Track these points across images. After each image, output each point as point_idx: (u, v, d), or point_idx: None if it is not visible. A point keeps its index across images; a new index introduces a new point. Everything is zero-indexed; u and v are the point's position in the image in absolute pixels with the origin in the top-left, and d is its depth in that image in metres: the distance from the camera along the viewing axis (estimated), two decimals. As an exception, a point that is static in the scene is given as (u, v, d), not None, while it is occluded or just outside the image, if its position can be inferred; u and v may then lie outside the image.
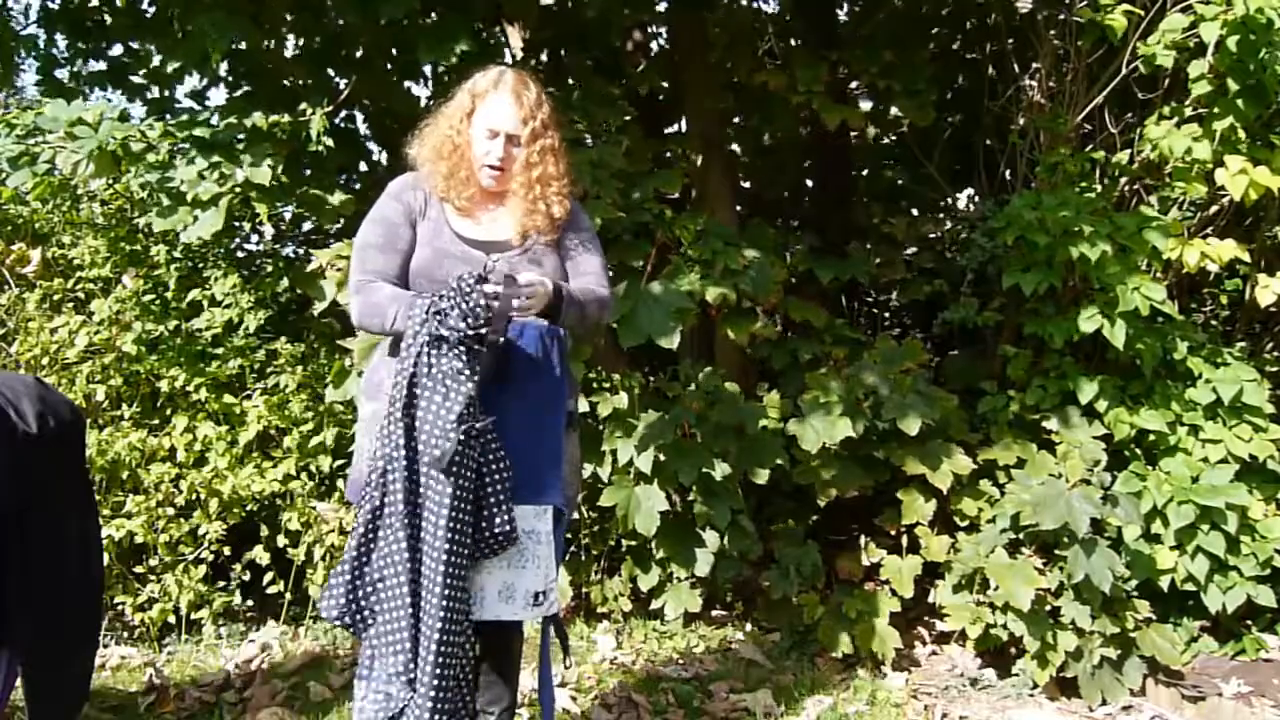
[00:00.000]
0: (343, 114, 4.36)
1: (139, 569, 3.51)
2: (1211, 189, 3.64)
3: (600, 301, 2.20)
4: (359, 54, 4.04)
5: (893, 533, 3.67)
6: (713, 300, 3.58)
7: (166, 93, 4.27)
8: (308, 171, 3.74)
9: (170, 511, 3.52)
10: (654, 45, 5.04)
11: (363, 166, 4.62)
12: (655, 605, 3.60)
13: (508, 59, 4.43)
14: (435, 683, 1.90)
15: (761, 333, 3.88)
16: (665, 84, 4.72)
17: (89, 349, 3.70)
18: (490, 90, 2.12)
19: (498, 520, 1.97)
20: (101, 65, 4.21)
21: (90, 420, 3.59)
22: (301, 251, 4.44)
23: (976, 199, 4.82)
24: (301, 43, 4.17)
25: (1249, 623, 3.50)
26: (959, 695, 3.31)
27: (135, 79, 4.25)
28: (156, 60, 4.16)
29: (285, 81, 3.94)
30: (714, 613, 3.86)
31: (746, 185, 5.36)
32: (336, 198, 3.65)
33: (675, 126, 4.94)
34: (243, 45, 3.61)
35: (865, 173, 5.30)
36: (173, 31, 3.75)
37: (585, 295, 2.15)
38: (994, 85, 4.41)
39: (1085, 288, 3.69)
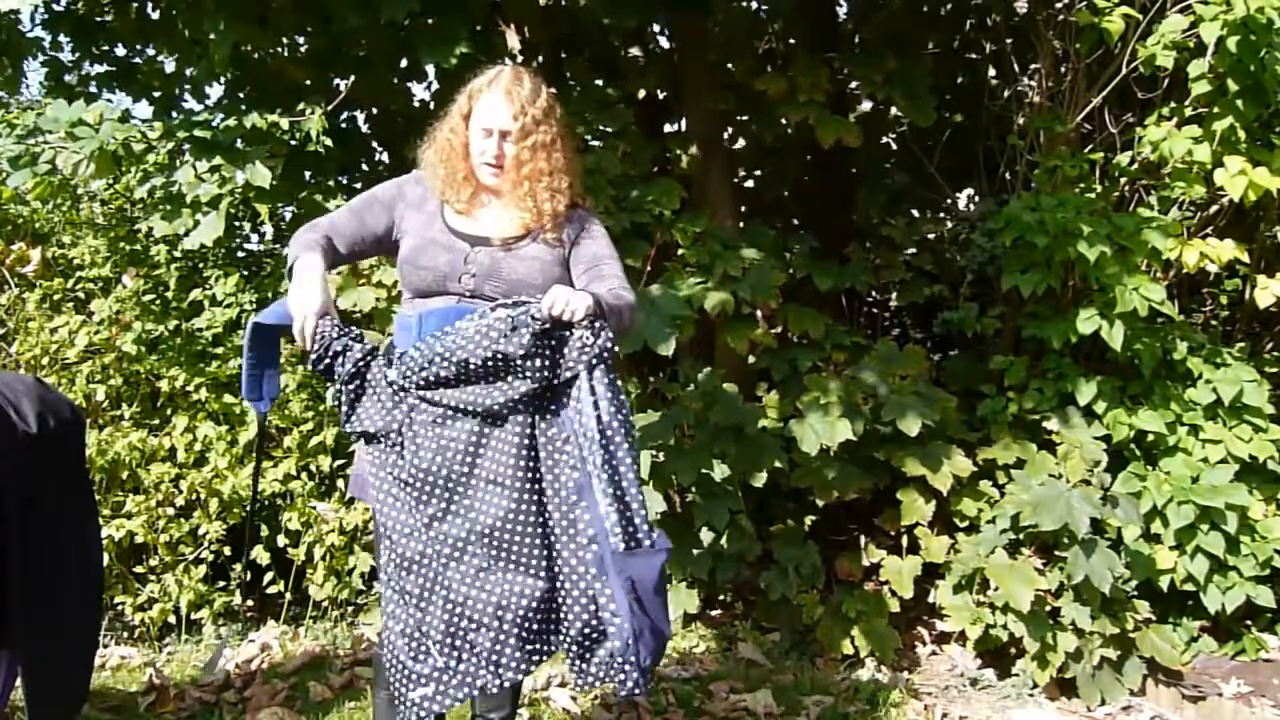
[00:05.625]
0: (344, 115, 4.37)
1: (139, 569, 3.51)
2: (1211, 189, 3.64)
3: (631, 307, 2.11)
4: (360, 55, 4.04)
5: (892, 533, 3.67)
6: (711, 309, 3.56)
7: (176, 90, 4.28)
8: (308, 172, 3.74)
9: (170, 511, 3.52)
10: (654, 46, 5.04)
11: (363, 167, 4.62)
12: (655, 606, 3.59)
13: (507, 60, 4.42)
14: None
15: (761, 339, 3.87)
16: (665, 84, 4.72)
17: (89, 349, 3.70)
18: (485, 89, 2.11)
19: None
20: (107, 67, 4.22)
21: (90, 420, 3.60)
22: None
23: (976, 199, 4.82)
24: (304, 44, 4.17)
25: (1249, 623, 3.50)
26: (959, 695, 3.31)
27: (142, 79, 4.25)
28: (167, 65, 4.18)
29: (287, 82, 3.95)
30: (714, 613, 3.86)
31: (747, 186, 5.36)
32: (334, 203, 3.65)
33: (675, 126, 4.93)
34: (246, 47, 3.61)
35: (865, 173, 5.30)
36: (178, 34, 3.75)
37: (618, 301, 2.05)
38: (994, 85, 4.41)
39: (1084, 288, 3.69)
